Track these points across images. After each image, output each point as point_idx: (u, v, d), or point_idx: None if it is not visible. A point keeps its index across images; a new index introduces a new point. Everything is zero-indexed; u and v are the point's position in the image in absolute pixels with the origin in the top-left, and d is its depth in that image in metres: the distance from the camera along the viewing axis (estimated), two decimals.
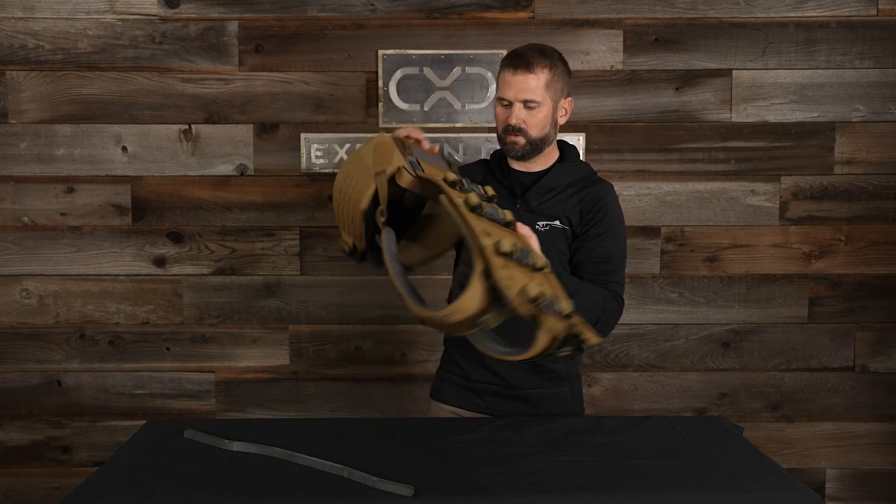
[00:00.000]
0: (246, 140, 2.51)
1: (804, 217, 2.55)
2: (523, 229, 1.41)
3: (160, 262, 2.54)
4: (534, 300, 1.20)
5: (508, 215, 1.37)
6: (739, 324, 2.58)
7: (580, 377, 1.89)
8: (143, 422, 1.74)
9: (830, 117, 2.52)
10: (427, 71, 2.49)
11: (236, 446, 1.50)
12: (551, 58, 1.74)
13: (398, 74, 2.49)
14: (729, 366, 2.59)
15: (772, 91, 2.52)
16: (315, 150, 2.51)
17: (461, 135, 2.51)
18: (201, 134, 2.51)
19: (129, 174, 2.52)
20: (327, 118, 2.51)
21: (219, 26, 2.48)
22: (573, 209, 1.77)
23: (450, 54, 2.48)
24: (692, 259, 2.56)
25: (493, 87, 2.48)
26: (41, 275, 2.54)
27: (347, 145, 2.50)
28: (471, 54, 2.48)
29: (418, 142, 1.65)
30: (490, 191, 1.43)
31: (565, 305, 1.20)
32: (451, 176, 1.47)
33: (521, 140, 1.74)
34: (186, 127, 2.51)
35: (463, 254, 1.68)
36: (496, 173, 1.84)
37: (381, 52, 2.48)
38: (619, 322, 1.76)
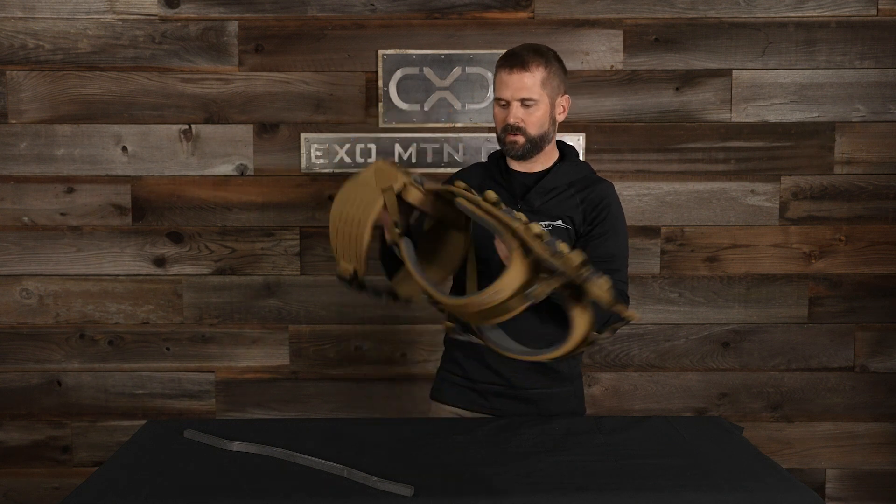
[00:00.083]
0: (246, 140, 2.51)
1: (804, 217, 2.55)
2: (537, 228, 1.44)
3: (160, 262, 2.54)
4: (581, 265, 1.24)
5: (523, 217, 1.41)
6: (739, 324, 2.58)
7: (581, 377, 1.89)
8: (143, 422, 1.74)
9: (830, 117, 2.52)
10: (427, 71, 2.49)
11: (236, 446, 1.50)
12: (546, 56, 1.74)
13: (398, 74, 2.49)
14: (729, 366, 2.59)
15: (772, 91, 2.52)
16: (315, 150, 2.51)
17: (461, 135, 2.51)
18: (201, 134, 2.51)
19: (129, 174, 2.52)
20: (327, 118, 2.51)
21: (219, 26, 2.48)
22: (576, 209, 1.77)
23: (450, 54, 2.48)
24: (692, 259, 2.56)
25: (492, 88, 2.48)
26: (41, 275, 2.54)
27: (347, 145, 2.50)
28: (471, 54, 2.48)
29: None
30: (495, 195, 1.46)
31: (605, 280, 1.27)
32: (460, 184, 1.51)
33: (521, 139, 1.74)
34: (186, 127, 2.51)
35: (467, 269, 1.70)
36: (495, 175, 1.84)
37: (381, 52, 2.48)
38: None
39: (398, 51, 2.48)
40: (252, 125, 2.51)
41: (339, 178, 2.52)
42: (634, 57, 2.50)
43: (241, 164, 2.52)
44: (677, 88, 2.51)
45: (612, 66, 2.51)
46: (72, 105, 2.50)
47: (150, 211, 2.53)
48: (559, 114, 1.79)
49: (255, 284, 2.56)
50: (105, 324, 2.56)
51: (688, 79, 2.51)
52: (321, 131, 2.51)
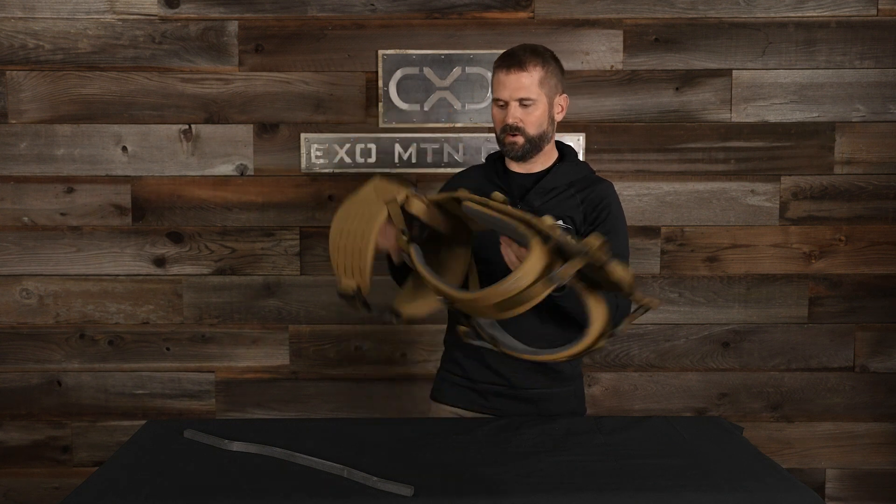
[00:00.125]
0: (246, 140, 2.51)
1: (804, 217, 2.55)
2: (550, 220, 1.45)
3: (160, 262, 2.54)
4: (602, 246, 1.25)
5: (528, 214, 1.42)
6: (739, 324, 2.58)
7: (582, 377, 1.90)
8: (143, 422, 1.74)
9: (830, 117, 2.52)
10: (427, 71, 2.49)
11: (236, 446, 1.50)
12: (543, 55, 1.74)
13: (398, 74, 2.49)
14: (729, 366, 2.59)
15: (772, 91, 2.52)
16: (315, 150, 2.51)
17: (461, 135, 2.51)
18: (201, 134, 2.51)
19: (129, 174, 2.52)
20: (327, 118, 2.51)
21: (219, 26, 2.48)
22: (576, 209, 1.77)
23: (450, 54, 2.48)
24: (692, 259, 2.56)
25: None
26: (41, 275, 2.54)
27: (347, 145, 2.50)
28: (471, 54, 2.48)
29: None
30: (502, 196, 1.47)
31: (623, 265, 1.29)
32: (463, 192, 1.53)
33: (520, 139, 1.74)
34: (186, 127, 2.51)
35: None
36: (493, 177, 1.84)
37: (381, 52, 2.48)
38: None
39: (398, 51, 2.48)
40: (252, 125, 2.51)
41: (339, 178, 2.52)
42: (634, 57, 2.50)
43: (241, 164, 2.52)
44: (677, 88, 2.51)
45: (612, 66, 2.51)
46: (72, 105, 2.50)
47: (150, 211, 2.53)
48: (557, 113, 1.79)
49: (255, 284, 2.56)
50: (105, 324, 2.56)
51: (688, 79, 2.51)
52: (321, 131, 2.51)
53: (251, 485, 1.34)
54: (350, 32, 2.48)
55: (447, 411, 1.88)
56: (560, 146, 1.86)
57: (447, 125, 2.51)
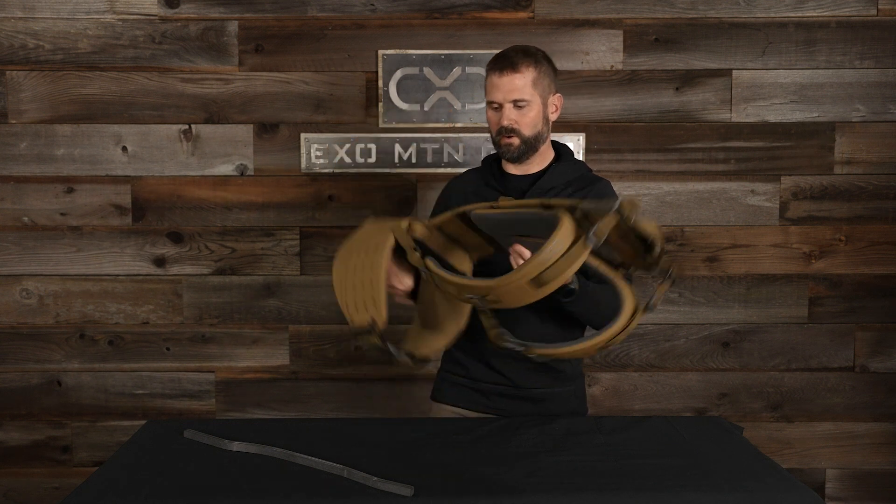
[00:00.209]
0: (246, 140, 2.51)
1: (804, 217, 2.55)
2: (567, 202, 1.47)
3: (160, 262, 2.54)
4: (630, 202, 1.25)
5: None
6: (739, 324, 2.58)
7: (583, 376, 1.90)
8: (143, 422, 1.74)
9: (830, 117, 2.52)
10: (427, 71, 2.49)
11: (236, 446, 1.50)
12: (535, 56, 1.74)
13: (398, 74, 2.49)
14: (729, 366, 2.59)
15: (772, 91, 2.52)
16: (315, 150, 2.51)
17: (461, 135, 2.51)
18: (201, 134, 2.51)
19: (129, 174, 2.52)
20: (327, 118, 2.51)
21: (219, 26, 2.48)
22: None
23: (450, 54, 2.48)
24: (692, 259, 2.56)
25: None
26: (41, 275, 2.54)
27: (347, 145, 2.50)
28: (471, 54, 2.48)
29: None
30: (510, 198, 1.50)
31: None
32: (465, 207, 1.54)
33: (516, 141, 1.74)
34: (186, 127, 2.51)
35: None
36: (489, 179, 1.84)
37: (381, 52, 2.48)
38: None
39: (398, 51, 2.48)
40: (252, 125, 2.51)
41: (339, 178, 2.52)
42: (634, 57, 2.50)
43: (241, 164, 2.52)
44: (677, 88, 2.51)
45: (612, 66, 2.51)
46: (72, 105, 2.50)
47: (150, 211, 2.53)
48: (552, 113, 1.79)
49: (255, 284, 2.56)
50: (105, 324, 2.56)
51: (688, 79, 2.51)
52: (321, 131, 2.51)
53: (251, 485, 1.34)
54: (350, 32, 2.48)
55: (449, 411, 1.87)
56: (556, 146, 1.85)
57: (447, 125, 2.51)
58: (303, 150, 2.50)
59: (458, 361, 1.87)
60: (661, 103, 2.51)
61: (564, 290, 1.59)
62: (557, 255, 1.28)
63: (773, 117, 2.52)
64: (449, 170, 2.46)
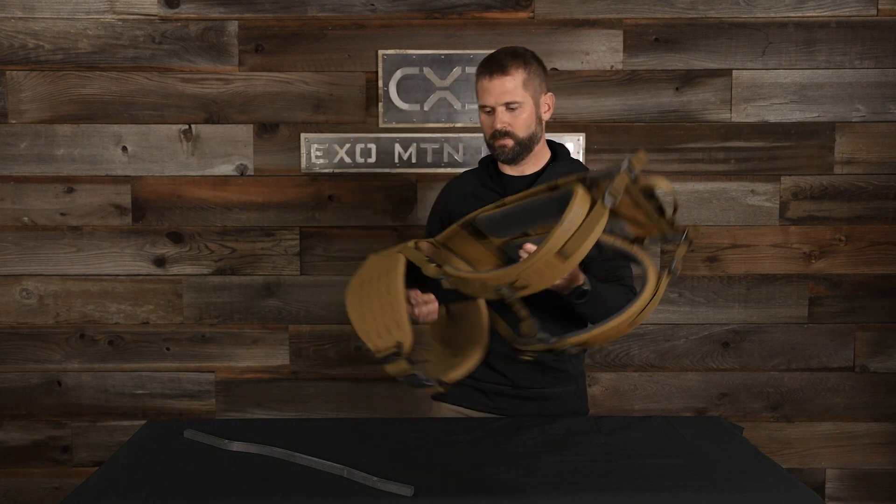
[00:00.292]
0: (246, 140, 2.51)
1: (804, 217, 2.55)
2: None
3: (160, 262, 2.54)
4: (638, 158, 1.27)
5: None
6: (739, 324, 2.58)
7: (584, 376, 1.90)
8: (143, 422, 1.74)
9: (830, 117, 2.52)
10: (427, 71, 2.49)
11: (236, 446, 1.50)
12: (524, 57, 1.73)
13: (398, 74, 2.49)
14: (729, 366, 2.59)
15: (772, 91, 2.52)
16: (315, 150, 2.51)
17: (461, 135, 2.51)
18: (201, 134, 2.51)
19: (129, 174, 2.52)
20: (327, 118, 2.51)
21: (219, 26, 2.48)
22: None
23: (450, 54, 2.48)
24: (692, 259, 2.56)
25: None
26: (41, 275, 2.54)
27: (347, 145, 2.50)
28: (471, 54, 2.48)
29: None
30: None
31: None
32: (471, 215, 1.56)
33: (510, 142, 1.74)
34: (186, 127, 2.51)
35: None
36: (486, 180, 1.83)
37: (381, 52, 2.48)
38: None
39: (398, 51, 2.48)
40: (252, 125, 2.51)
41: (339, 178, 2.52)
42: (634, 57, 2.50)
43: (241, 164, 2.52)
44: (677, 88, 2.51)
45: (612, 66, 2.51)
46: (72, 105, 2.50)
47: (150, 211, 2.53)
48: (545, 112, 1.78)
49: (255, 284, 2.56)
50: (105, 324, 2.56)
51: (688, 79, 2.51)
52: (321, 131, 2.51)
53: (251, 485, 1.34)
54: (350, 32, 2.48)
55: (450, 410, 1.87)
56: (552, 145, 1.85)
57: (447, 125, 2.51)
58: (303, 150, 2.50)
59: None
60: (661, 103, 2.51)
61: (578, 291, 1.60)
62: (578, 223, 1.27)
63: (773, 117, 2.52)
64: (449, 170, 2.46)
